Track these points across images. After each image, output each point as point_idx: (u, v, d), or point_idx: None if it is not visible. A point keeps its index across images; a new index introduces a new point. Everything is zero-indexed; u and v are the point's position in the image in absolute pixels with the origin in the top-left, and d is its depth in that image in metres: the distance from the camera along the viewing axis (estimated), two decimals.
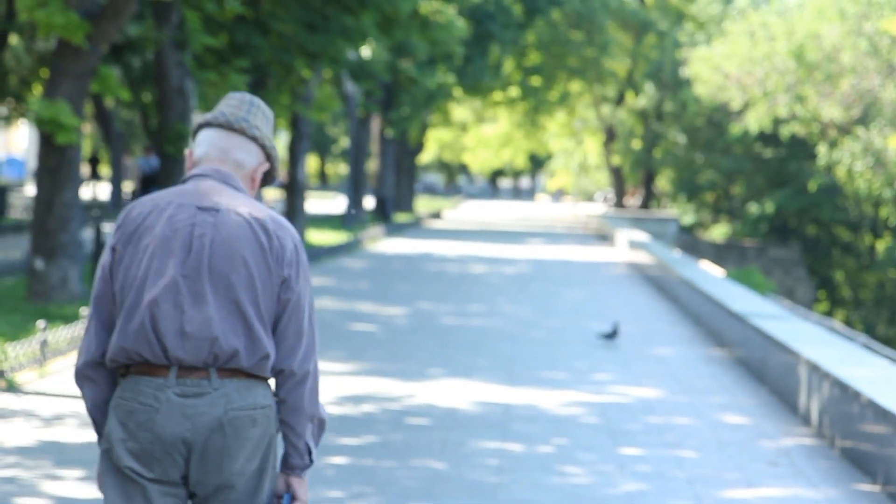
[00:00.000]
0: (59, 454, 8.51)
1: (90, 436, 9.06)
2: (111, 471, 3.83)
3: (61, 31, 15.95)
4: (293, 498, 3.91)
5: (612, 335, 15.28)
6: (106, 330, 3.87)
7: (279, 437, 3.94)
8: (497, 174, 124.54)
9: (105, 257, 3.90)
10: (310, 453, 3.92)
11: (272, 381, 3.92)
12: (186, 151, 4.06)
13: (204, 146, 3.99)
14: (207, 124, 4.01)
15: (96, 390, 3.91)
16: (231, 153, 3.98)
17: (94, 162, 37.42)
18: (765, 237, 54.39)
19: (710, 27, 59.37)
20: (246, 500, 3.83)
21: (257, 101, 4.04)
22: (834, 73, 39.91)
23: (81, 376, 3.91)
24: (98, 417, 3.93)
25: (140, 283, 3.80)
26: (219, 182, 3.93)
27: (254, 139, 4.00)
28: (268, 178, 4.09)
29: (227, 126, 3.99)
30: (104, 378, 3.90)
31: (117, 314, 3.85)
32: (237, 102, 4.02)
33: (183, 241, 3.81)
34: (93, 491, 7.57)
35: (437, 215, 60.67)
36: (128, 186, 52.36)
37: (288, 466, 3.92)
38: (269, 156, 4.04)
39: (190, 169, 4.01)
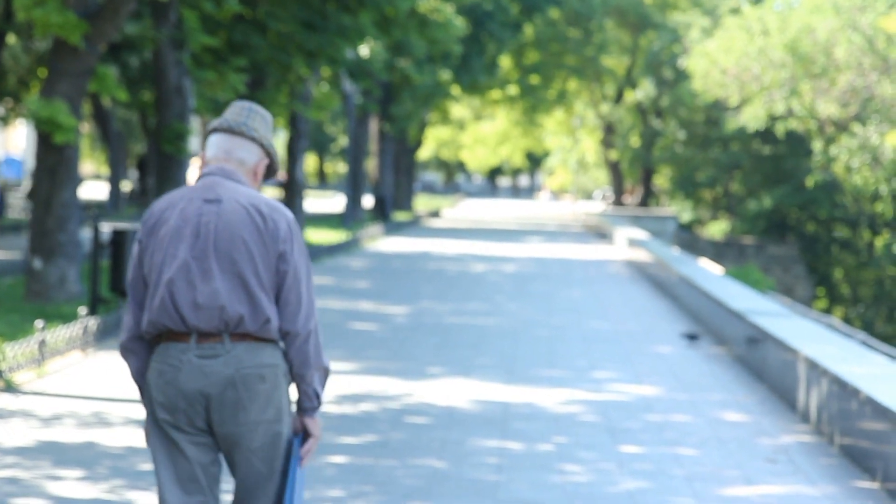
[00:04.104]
0: (57, 454, 8.50)
1: (89, 436, 9.07)
2: (154, 425, 4.61)
3: (59, 31, 15.95)
4: (306, 435, 4.67)
5: (694, 336, 15.40)
6: (140, 308, 4.65)
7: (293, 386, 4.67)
8: (495, 172, 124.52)
9: (135, 248, 4.68)
10: (318, 397, 4.68)
11: (281, 344, 4.63)
12: (199, 154, 4.83)
13: (212, 148, 4.75)
14: (214, 130, 4.76)
15: (138, 360, 4.69)
16: (234, 153, 4.73)
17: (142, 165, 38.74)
18: (763, 234, 54.38)
19: (704, 14, 59.31)
20: (269, 445, 4.57)
21: (255, 106, 4.79)
22: (829, 67, 39.88)
23: (125, 349, 4.70)
24: (140, 382, 4.70)
25: (159, 266, 4.57)
26: (222, 177, 4.67)
27: (253, 139, 4.74)
28: (269, 171, 4.82)
29: (229, 130, 4.74)
30: (143, 349, 4.68)
31: (147, 294, 4.62)
32: (238, 109, 4.76)
33: (192, 229, 4.56)
34: (92, 491, 7.57)
35: (436, 214, 60.63)
36: (126, 186, 52.25)
37: (301, 409, 4.69)
38: (268, 153, 4.78)
39: (202, 168, 4.72)
